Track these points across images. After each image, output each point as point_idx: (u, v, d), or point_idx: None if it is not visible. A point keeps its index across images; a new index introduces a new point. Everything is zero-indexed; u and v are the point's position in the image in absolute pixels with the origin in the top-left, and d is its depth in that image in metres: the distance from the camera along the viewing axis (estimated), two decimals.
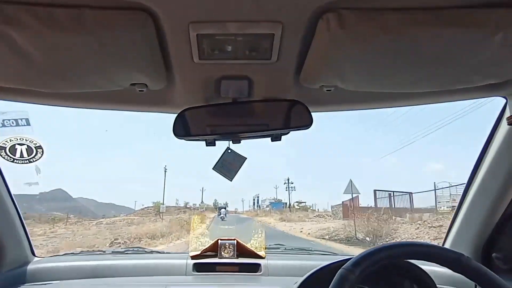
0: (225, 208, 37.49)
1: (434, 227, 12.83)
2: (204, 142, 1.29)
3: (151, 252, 2.07)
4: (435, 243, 1.71)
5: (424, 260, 0.98)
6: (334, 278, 0.90)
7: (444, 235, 1.74)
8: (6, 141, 1.62)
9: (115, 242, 14.30)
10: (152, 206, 36.81)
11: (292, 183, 52.87)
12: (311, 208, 44.88)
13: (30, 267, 1.73)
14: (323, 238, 15.67)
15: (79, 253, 2.03)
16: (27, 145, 1.66)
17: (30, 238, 1.84)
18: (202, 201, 50.41)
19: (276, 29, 0.89)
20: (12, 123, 1.62)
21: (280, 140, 1.27)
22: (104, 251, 2.05)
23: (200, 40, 0.94)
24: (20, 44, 0.87)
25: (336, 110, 1.42)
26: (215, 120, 1.30)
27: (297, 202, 49.94)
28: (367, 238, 13.86)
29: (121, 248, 2.09)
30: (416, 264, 1.26)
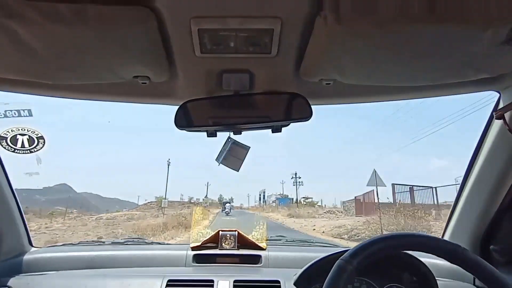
0: (229, 203, 37.53)
1: None
2: (205, 135, 1.33)
3: (151, 243, 2.09)
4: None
5: (422, 251, 1.02)
6: (332, 269, 0.94)
7: None
8: (8, 131, 1.68)
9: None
10: (155, 201, 36.95)
11: (299, 177, 52.57)
12: (318, 204, 44.71)
13: (26, 257, 1.76)
14: (341, 238, 14.69)
15: (78, 243, 2.05)
16: (29, 135, 1.71)
17: (28, 228, 1.87)
18: (206, 195, 50.00)
19: (275, 24, 0.93)
20: (15, 113, 1.68)
21: (280, 131, 1.31)
22: (104, 242, 2.08)
23: (201, 35, 0.97)
24: (23, 37, 0.91)
25: (335, 103, 1.46)
26: (216, 112, 1.34)
27: (303, 197, 49.41)
28: None
29: (121, 239, 2.12)
30: (415, 256, 1.31)
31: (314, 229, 18.05)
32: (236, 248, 1.86)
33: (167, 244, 2.22)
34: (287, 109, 1.30)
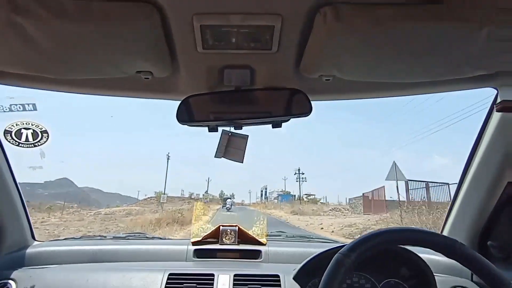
0: (231, 198, 37.44)
1: None
2: (206, 130, 1.36)
3: (152, 238, 2.14)
4: None
5: (420, 246, 1.05)
6: (330, 263, 0.98)
7: None
8: (13, 125, 1.70)
9: None
10: (154, 197, 36.96)
11: (303, 173, 52.50)
12: (321, 201, 44.52)
13: (29, 250, 1.79)
14: (354, 239, 13.21)
15: (80, 237, 2.11)
16: (33, 130, 1.73)
17: (31, 222, 1.92)
18: (206, 191, 49.67)
19: (276, 21, 0.96)
20: (19, 108, 1.69)
21: (280, 126, 1.34)
22: (105, 236, 2.13)
23: (203, 31, 1.01)
24: (29, 32, 0.93)
25: (335, 99, 1.50)
26: (218, 107, 1.37)
27: (306, 194, 49.51)
28: None
29: (123, 234, 2.16)
30: (413, 251, 1.35)
31: (322, 228, 16.93)
32: (236, 243, 1.90)
33: (168, 239, 2.26)
34: (287, 104, 1.34)
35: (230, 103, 1.37)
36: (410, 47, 1.00)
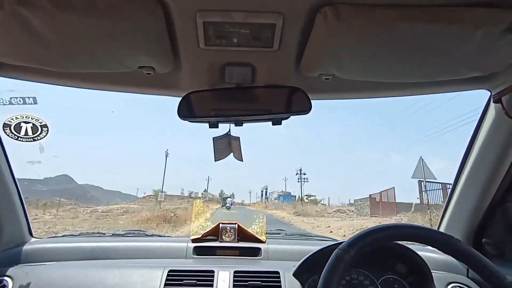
0: (231, 197, 37.38)
1: None
2: (207, 127, 1.40)
3: (152, 235, 2.15)
4: None
5: (417, 241, 1.09)
6: (330, 258, 1.02)
7: None
8: (12, 119, 1.70)
9: None
10: (153, 195, 36.98)
11: (304, 173, 51.99)
12: (321, 202, 44.48)
13: (26, 247, 1.80)
14: None
15: (78, 234, 2.10)
16: (33, 123, 1.73)
17: (29, 218, 1.92)
18: (205, 189, 49.31)
19: (277, 19, 1.00)
20: (19, 101, 1.69)
21: (280, 124, 1.38)
22: (104, 233, 2.13)
23: (206, 27, 1.04)
24: (33, 24, 0.96)
25: (334, 98, 1.54)
26: (218, 103, 1.41)
27: (306, 195, 49.31)
28: None
29: (122, 231, 2.19)
30: (411, 248, 1.39)
31: (331, 232, 15.83)
32: (236, 240, 1.92)
33: (168, 236, 2.28)
34: (287, 102, 1.38)
35: (231, 100, 1.40)
36: (408, 47, 1.04)
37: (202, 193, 46.09)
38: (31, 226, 1.96)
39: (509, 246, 1.57)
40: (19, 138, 1.72)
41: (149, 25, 1.01)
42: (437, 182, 19.11)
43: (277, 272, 1.53)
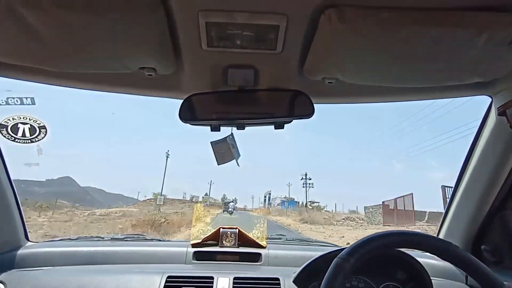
0: (233, 202, 37.27)
1: None
2: (209, 129, 1.41)
3: (151, 239, 2.14)
4: None
5: (416, 248, 1.11)
6: (329, 267, 1.03)
7: None
8: (9, 120, 1.68)
9: None
10: (153, 198, 36.97)
11: (310, 179, 51.96)
12: (325, 209, 44.20)
13: (21, 251, 1.78)
14: None
15: (76, 238, 2.10)
16: (30, 124, 1.72)
17: (25, 222, 1.90)
18: (206, 193, 48.82)
19: (281, 21, 1.00)
20: (17, 101, 1.69)
21: (283, 128, 1.40)
22: (103, 237, 2.10)
23: (209, 28, 1.04)
24: (30, 22, 0.95)
25: (337, 102, 1.56)
26: (220, 106, 1.42)
27: (310, 201, 49.00)
28: None
29: (121, 235, 2.17)
30: (411, 255, 1.40)
31: (348, 244, 14.02)
32: (236, 245, 1.93)
33: (167, 241, 2.28)
34: (289, 106, 1.39)
35: (233, 103, 1.41)
36: (412, 51, 1.05)
37: (203, 197, 46.04)
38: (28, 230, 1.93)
39: (508, 253, 1.59)
40: (16, 140, 1.71)
41: (150, 25, 1.01)
42: None
43: (277, 279, 1.54)
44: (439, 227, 1.90)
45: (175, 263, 1.83)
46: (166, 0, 0.95)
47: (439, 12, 0.94)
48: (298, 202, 52.57)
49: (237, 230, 1.98)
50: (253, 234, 2.06)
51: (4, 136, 1.68)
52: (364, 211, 31.04)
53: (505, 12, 0.93)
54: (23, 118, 1.72)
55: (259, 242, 1.96)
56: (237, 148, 1.51)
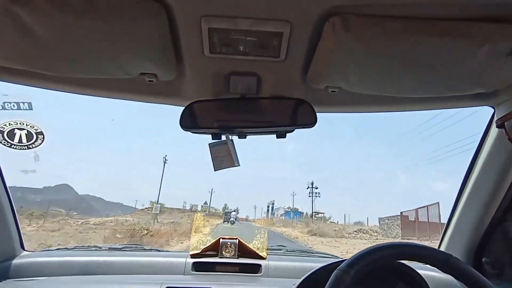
0: (235, 211, 36.93)
1: None
2: (210, 137, 1.44)
3: (150, 249, 2.15)
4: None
5: (416, 260, 1.12)
6: (329, 279, 1.05)
7: None
8: (5, 125, 1.69)
9: None
10: (150, 207, 36.84)
11: (316, 187, 51.18)
12: (330, 220, 43.70)
13: (16, 261, 1.79)
14: None
15: (73, 248, 2.10)
16: (27, 130, 1.73)
17: (21, 231, 1.91)
18: (206, 202, 47.77)
19: (285, 28, 1.03)
20: (14, 106, 1.71)
21: (284, 137, 1.43)
22: (100, 247, 2.13)
23: (211, 34, 1.07)
24: (28, 24, 0.96)
25: (339, 112, 1.60)
26: (222, 114, 1.44)
27: (314, 212, 48.54)
28: None
29: (119, 245, 2.20)
30: (411, 267, 1.42)
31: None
32: (236, 256, 1.95)
33: (166, 251, 2.29)
34: (292, 114, 1.42)
35: (235, 110, 1.43)
36: (415, 60, 1.09)
37: (202, 206, 45.29)
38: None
39: (508, 265, 1.61)
40: (13, 146, 1.72)
41: (152, 30, 1.02)
42: None
43: None
44: (440, 238, 1.93)
45: (173, 273, 1.84)
46: (168, 5, 0.97)
47: (442, 22, 0.97)
48: (302, 213, 52.15)
49: (237, 240, 2.00)
50: (253, 244, 2.08)
51: (0, 142, 1.69)
52: (379, 222, 30.19)
53: (508, 24, 0.97)
54: (20, 123, 1.73)
55: (259, 253, 1.98)
56: (236, 154, 1.52)
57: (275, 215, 56.51)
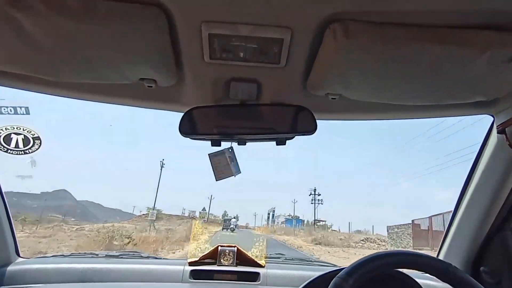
0: (235, 218, 36.66)
1: None
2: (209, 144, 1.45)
3: (147, 257, 2.16)
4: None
5: (415, 269, 1.16)
6: (328, 287, 1.07)
7: None
8: (2, 129, 1.71)
9: None
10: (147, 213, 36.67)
11: (319, 194, 50.76)
12: (332, 228, 43.37)
13: (11, 268, 1.80)
14: None
15: (69, 255, 2.11)
16: (24, 135, 1.74)
17: (16, 237, 1.92)
18: (204, 208, 47.17)
19: (285, 34, 1.05)
20: (10, 110, 1.73)
21: (284, 144, 1.44)
22: (97, 254, 2.14)
23: (211, 40, 1.08)
24: (27, 28, 0.97)
25: (340, 119, 1.62)
26: (222, 120, 1.46)
27: (316, 220, 48.16)
28: None
29: (116, 252, 2.21)
30: (410, 276, 1.45)
31: None
32: (234, 264, 1.97)
33: (163, 259, 2.31)
34: (292, 121, 1.44)
35: (234, 117, 1.45)
36: (415, 68, 1.11)
37: (200, 212, 44.65)
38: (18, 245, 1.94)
39: (506, 275, 1.63)
40: (9, 151, 1.73)
41: (152, 34, 1.04)
42: None
43: None
44: (439, 247, 1.96)
45: (171, 281, 1.86)
46: (168, 10, 0.98)
47: (442, 29, 1.00)
48: (303, 221, 51.88)
49: (235, 248, 2.02)
50: (252, 252, 2.10)
51: None
52: (387, 231, 29.30)
53: (507, 31, 1.00)
54: (17, 128, 1.74)
55: (258, 261, 1.99)
56: (236, 162, 1.55)
57: (276, 223, 56.18)
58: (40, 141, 1.79)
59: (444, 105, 1.40)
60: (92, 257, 2.10)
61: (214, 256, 2.02)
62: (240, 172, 1.55)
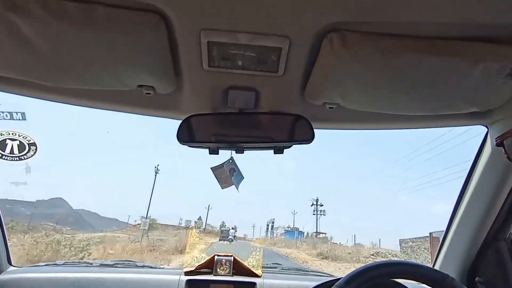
0: (234, 229, 36.37)
1: None
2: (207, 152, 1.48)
3: (142, 266, 2.20)
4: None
5: (412, 279, 1.19)
6: None
7: None
8: None
9: None
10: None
11: (321, 205, 50.55)
12: (333, 241, 42.96)
13: (2, 276, 1.83)
14: None
15: (63, 264, 2.14)
16: (20, 141, 1.77)
17: (8, 245, 1.94)
18: (200, 217, 45.90)
19: (283, 43, 1.08)
20: (6, 116, 1.76)
21: (282, 153, 1.48)
22: (91, 263, 2.17)
23: (210, 48, 1.11)
24: (25, 33, 0.99)
25: (337, 128, 1.65)
26: (220, 128, 1.49)
27: (315, 232, 47.87)
28: None
29: (110, 261, 2.21)
30: (406, 286, 1.50)
31: None
32: (231, 274, 2.00)
33: (159, 268, 2.31)
34: (290, 130, 1.46)
35: (232, 125, 1.48)
36: (411, 78, 1.15)
37: (195, 222, 43.38)
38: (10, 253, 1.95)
39: (501, 285, 1.67)
40: (4, 157, 1.75)
41: (151, 41, 1.06)
42: None
43: None
44: (435, 257, 1.99)
45: None
46: (168, 17, 1.00)
47: (438, 41, 1.04)
48: (303, 233, 51.67)
49: (232, 258, 2.06)
50: (248, 262, 2.12)
51: None
52: (400, 245, 28.02)
53: (502, 44, 1.04)
54: (12, 134, 1.76)
55: (254, 271, 2.03)
56: (238, 171, 1.59)
57: (275, 234, 55.86)
58: (36, 147, 1.81)
59: (439, 115, 1.44)
60: (86, 266, 2.13)
61: (210, 265, 2.04)
62: (243, 178, 1.60)
